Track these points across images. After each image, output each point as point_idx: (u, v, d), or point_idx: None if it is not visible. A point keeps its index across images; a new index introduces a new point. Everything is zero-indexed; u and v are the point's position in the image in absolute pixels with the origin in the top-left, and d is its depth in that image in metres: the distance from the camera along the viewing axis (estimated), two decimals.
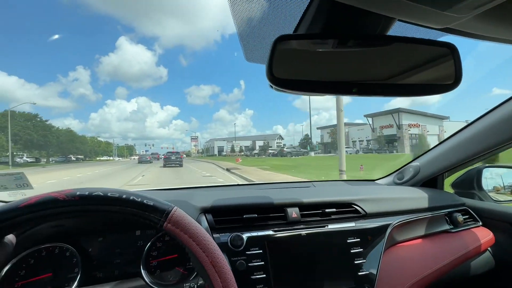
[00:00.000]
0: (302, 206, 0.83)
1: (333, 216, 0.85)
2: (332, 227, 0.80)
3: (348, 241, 0.78)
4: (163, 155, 27.26)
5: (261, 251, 0.71)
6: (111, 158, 66.16)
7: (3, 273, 0.59)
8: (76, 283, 0.65)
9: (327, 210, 0.84)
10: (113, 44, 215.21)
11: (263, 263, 0.70)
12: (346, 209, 0.87)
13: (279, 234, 0.75)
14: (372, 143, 34.80)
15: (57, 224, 0.66)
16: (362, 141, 34.95)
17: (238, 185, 1.10)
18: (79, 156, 51.29)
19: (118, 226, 0.75)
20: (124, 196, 0.34)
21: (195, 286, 0.55)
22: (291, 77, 0.44)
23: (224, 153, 62.13)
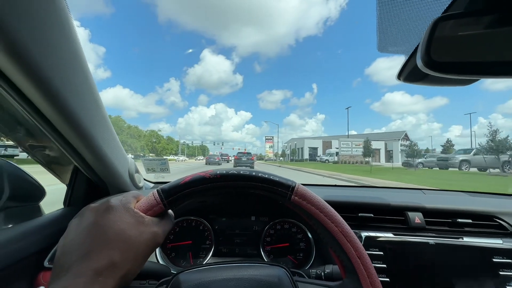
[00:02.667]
0: (426, 212, 0.74)
1: (466, 228, 0.72)
2: (469, 240, 0.68)
3: (494, 260, 0.64)
4: (233, 156, 25.56)
5: (381, 253, 0.67)
6: (175, 157, 50.16)
7: None
8: (211, 252, 0.76)
9: (459, 220, 0.71)
10: (198, 57, 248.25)
11: (385, 266, 0.65)
12: (485, 222, 0.72)
13: (401, 238, 0.69)
14: None
15: (200, 200, 0.79)
16: None
17: (350, 186, 1.07)
18: (138, 154, 40.98)
19: (238, 210, 0.85)
20: (253, 173, 0.38)
21: (322, 273, 0.56)
22: (453, 60, 0.40)
23: (327, 158, 38.11)
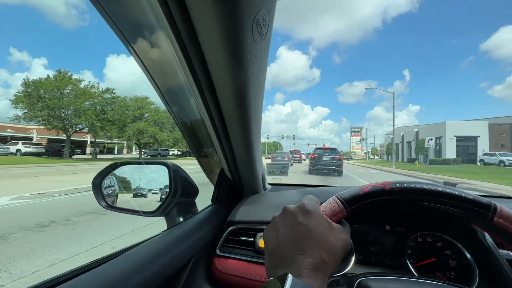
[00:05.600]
0: None
1: None
2: None
3: None
4: (308, 154, 19.89)
5: None
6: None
7: None
8: (353, 258, 0.77)
9: None
10: (273, 55, 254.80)
11: None
12: None
13: None
14: None
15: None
16: None
17: None
18: (178, 150, 33.06)
19: (371, 217, 0.81)
20: (440, 189, 0.34)
21: None
22: None
23: None
